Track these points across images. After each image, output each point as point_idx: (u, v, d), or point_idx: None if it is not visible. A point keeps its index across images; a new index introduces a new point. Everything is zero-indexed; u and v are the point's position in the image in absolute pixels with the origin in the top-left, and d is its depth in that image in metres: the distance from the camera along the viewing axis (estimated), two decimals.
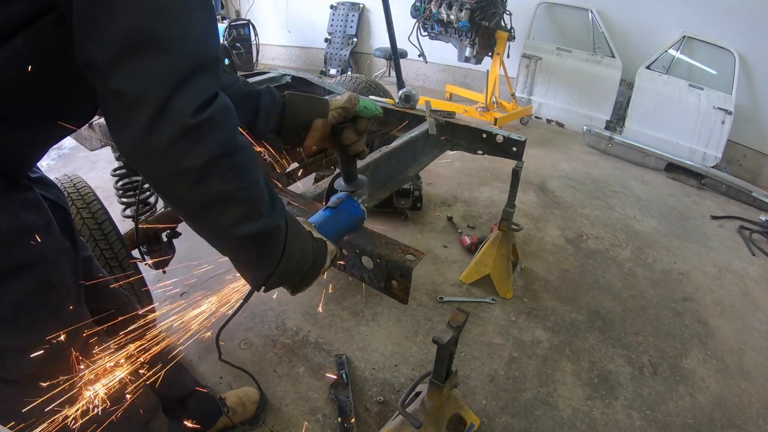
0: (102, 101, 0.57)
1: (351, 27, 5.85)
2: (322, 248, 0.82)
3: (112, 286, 1.11)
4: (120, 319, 0.98)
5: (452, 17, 4.00)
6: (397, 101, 2.14)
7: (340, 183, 1.05)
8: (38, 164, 0.87)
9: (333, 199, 1.00)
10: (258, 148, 1.03)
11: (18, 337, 0.74)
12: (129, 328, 0.94)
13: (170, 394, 1.31)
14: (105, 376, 0.86)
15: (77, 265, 0.88)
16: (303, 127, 0.97)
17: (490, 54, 4.26)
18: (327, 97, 1.01)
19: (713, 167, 3.78)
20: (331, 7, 5.96)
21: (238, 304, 0.85)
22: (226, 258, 0.74)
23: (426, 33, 4.39)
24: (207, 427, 1.46)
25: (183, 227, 1.76)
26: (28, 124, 0.71)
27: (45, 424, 0.79)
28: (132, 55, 0.53)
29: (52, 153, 3.42)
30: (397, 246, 1.04)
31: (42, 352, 0.75)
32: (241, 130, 0.65)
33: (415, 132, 1.81)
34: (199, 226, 0.66)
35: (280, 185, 1.37)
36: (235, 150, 0.62)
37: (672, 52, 4.13)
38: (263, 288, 0.76)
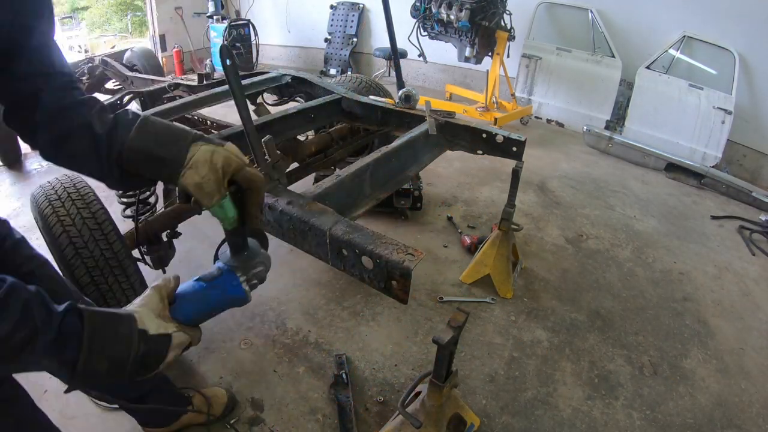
0: None
1: (351, 27, 5.85)
2: (158, 347, 0.70)
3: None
4: None
5: (452, 17, 4.00)
6: (397, 101, 2.15)
7: (225, 251, 0.82)
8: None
9: (212, 269, 0.80)
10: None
11: None
12: None
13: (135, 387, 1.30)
14: None
15: None
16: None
17: (490, 54, 4.27)
18: (194, 144, 0.73)
19: (713, 167, 3.78)
20: (331, 7, 5.97)
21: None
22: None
23: (426, 33, 4.39)
24: (167, 421, 1.44)
25: (183, 227, 1.76)
26: None
27: None
28: None
29: None
30: (396, 246, 1.04)
31: None
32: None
33: (415, 132, 1.81)
34: None
35: (281, 184, 1.37)
36: None
37: (672, 52, 4.13)
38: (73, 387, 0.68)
